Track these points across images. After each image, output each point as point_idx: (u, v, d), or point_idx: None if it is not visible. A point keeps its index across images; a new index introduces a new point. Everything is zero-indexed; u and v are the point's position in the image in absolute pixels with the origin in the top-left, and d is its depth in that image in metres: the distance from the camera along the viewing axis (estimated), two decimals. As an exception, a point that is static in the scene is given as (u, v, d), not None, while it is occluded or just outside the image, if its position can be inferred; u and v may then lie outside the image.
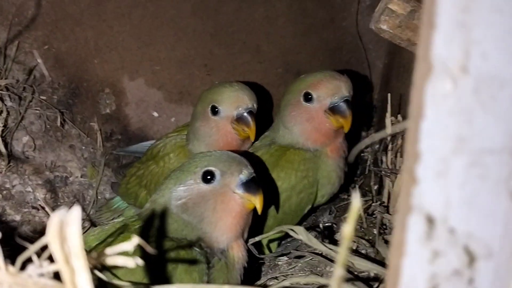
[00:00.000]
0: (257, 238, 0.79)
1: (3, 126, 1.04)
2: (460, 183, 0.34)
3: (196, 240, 0.69)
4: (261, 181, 0.74)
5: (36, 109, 1.12)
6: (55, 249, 0.35)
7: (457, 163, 0.34)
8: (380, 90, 1.28)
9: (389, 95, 0.87)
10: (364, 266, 0.68)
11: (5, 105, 1.06)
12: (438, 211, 0.34)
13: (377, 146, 1.05)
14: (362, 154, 1.16)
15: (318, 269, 0.84)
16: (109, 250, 0.41)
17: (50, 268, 0.38)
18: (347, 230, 0.33)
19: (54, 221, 0.35)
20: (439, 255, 0.34)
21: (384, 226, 0.83)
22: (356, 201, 0.34)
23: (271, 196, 0.89)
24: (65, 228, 0.35)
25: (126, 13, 1.20)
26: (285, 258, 0.96)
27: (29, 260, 0.42)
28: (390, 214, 0.81)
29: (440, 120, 0.34)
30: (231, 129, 0.91)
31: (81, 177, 1.13)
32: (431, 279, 0.34)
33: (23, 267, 0.42)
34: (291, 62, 1.29)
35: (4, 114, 1.04)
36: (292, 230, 0.73)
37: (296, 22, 1.27)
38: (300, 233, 0.74)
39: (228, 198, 0.70)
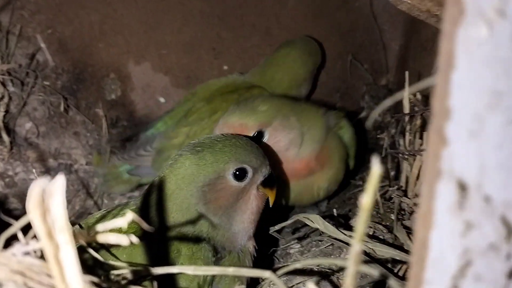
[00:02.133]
0: (277, 227, 0.76)
1: (5, 112, 1.01)
2: (497, 144, 0.29)
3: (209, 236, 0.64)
4: None
5: (40, 95, 1.09)
6: (36, 222, 0.31)
7: (493, 121, 0.29)
8: (396, 73, 1.23)
9: (406, 72, 0.82)
10: (382, 251, 0.64)
11: (8, 90, 1.02)
12: (471, 176, 0.29)
13: (394, 130, 1.00)
14: (377, 137, 1.11)
15: (332, 256, 0.80)
16: (101, 226, 0.37)
17: (35, 245, 0.35)
18: (366, 199, 0.29)
19: (35, 191, 0.31)
20: (472, 227, 0.29)
21: (403, 212, 0.78)
22: (376, 167, 0.29)
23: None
24: (48, 199, 0.31)
25: (131, -4, 1.17)
26: (297, 246, 0.91)
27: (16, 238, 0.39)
28: (408, 198, 0.77)
29: (473, 71, 0.29)
30: None
31: (86, 164, 1.10)
32: (463, 254, 0.29)
33: (9, 246, 0.39)
34: (302, 45, 1.24)
35: (6, 99, 1.01)
36: (308, 218, 0.70)
37: (307, 4, 1.22)
38: (316, 222, 0.70)
39: (254, 195, 0.67)
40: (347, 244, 0.71)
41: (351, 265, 0.30)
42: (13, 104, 1.04)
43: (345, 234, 0.71)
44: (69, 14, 1.15)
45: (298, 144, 0.84)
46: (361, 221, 0.28)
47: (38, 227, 0.31)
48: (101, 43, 1.17)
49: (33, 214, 0.31)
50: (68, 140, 1.10)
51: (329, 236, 0.75)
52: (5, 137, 0.99)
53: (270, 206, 0.69)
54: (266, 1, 1.20)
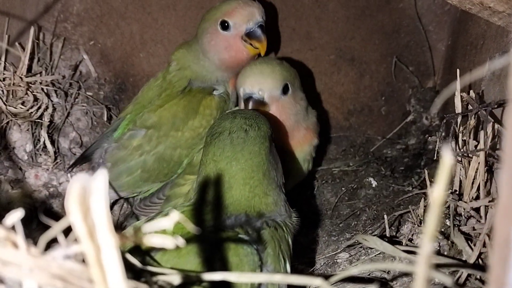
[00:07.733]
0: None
1: (49, 122, 1.02)
2: None
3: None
4: None
5: (83, 105, 1.10)
6: (76, 222, 0.29)
7: None
8: (443, 74, 1.18)
9: (457, 70, 0.78)
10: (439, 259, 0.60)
11: (52, 101, 1.04)
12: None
13: (443, 133, 0.95)
14: (428, 140, 1.06)
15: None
16: (146, 227, 0.35)
17: (75, 248, 0.33)
18: (437, 193, 0.26)
19: (74, 188, 0.29)
20: None
21: (459, 217, 0.73)
22: (447, 157, 0.26)
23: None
24: (89, 197, 0.30)
25: (170, 5, 1.17)
26: (345, 255, 0.88)
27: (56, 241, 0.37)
28: (465, 202, 0.72)
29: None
30: (242, 45, 0.92)
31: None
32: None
33: (49, 249, 0.37)
34: (344, 48, 1.21)
35: (50, 110, 1.02)
36: (365, 240, 0.71)
37: (348, 6, 1.19)
38: (374, 242, 0.69)
39: None
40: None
41: (423, 268, 0.27)
42: (57, 115, 1.06)
43: (407, 252, 0.68)
44: (110, 25, 1.16)
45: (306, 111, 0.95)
46: (433, 217, 0.25)
47: (78, 227, 0.29)
48: (142, 53, 1.18)
49: (73, 213, 0.29)
50: (111, 149, 1.10)
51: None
52: (49, 147, 1.00)
53: None
54: (306, 4, 1.18)
